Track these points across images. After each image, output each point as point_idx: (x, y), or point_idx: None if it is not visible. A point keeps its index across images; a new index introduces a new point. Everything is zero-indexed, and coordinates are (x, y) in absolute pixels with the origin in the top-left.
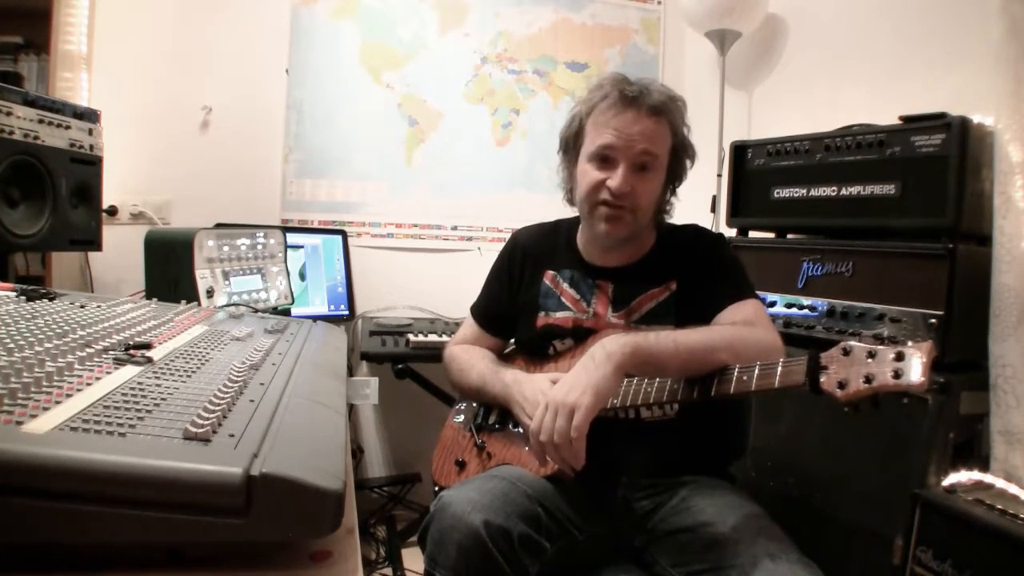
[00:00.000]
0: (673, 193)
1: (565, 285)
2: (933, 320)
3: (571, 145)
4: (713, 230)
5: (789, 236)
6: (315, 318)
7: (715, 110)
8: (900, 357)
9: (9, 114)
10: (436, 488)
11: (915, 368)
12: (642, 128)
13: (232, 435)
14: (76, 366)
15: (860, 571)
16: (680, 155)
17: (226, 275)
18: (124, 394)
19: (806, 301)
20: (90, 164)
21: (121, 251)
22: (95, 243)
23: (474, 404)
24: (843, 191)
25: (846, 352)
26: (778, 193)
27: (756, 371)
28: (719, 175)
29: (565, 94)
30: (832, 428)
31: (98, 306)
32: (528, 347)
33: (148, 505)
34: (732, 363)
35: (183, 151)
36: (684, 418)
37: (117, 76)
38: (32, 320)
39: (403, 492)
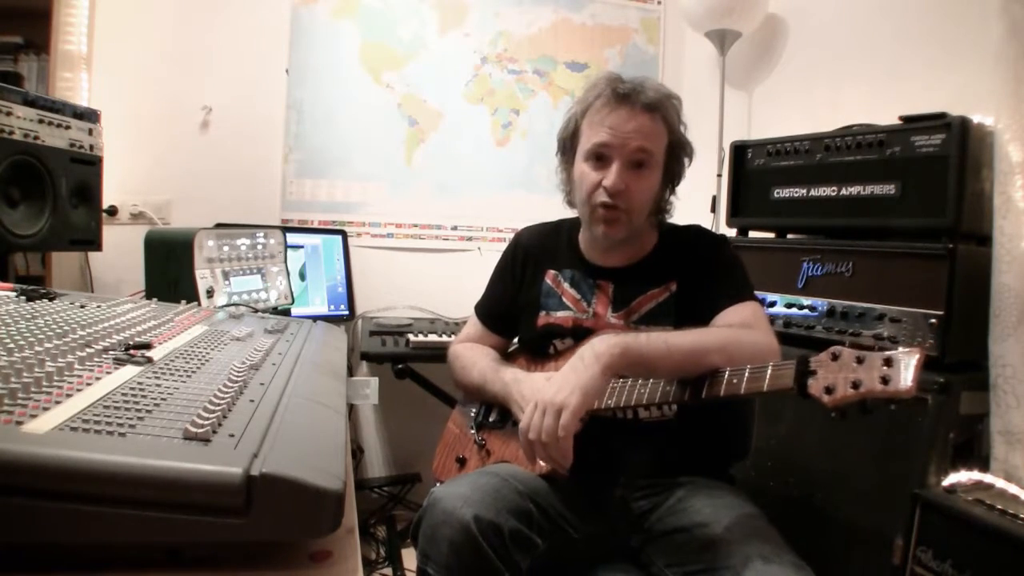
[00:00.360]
0: (672, 192)
1: (566, 285)
2: (933, 320)
3: (568, 146)
4: (715, 231)
5: (789, 236)
6: (315, 318)
7: (715, 110)
8: (889, 362)
9: (9, 114)
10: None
11: (903, 374)
12: (636, 125)
13: (232, 435)
14: (76, 366)
15: (860, 571)
16: (677, 153)
17: (226, 275)
18: (124, 394)
19: (806, 301)
20: (90, 164)
21: (121, 251)
22: (95, 243)
23: (476, 402)
24: (843, 191)
25: (835, 357)
26: (778, 193)
27: (746, 374)
28: (719, 175)
29: (565, 94)
30: (832, 428)
31: (98, 306)
32: (530, 346)
33: (148, 505)
34: (724, 365)
35: (183, 151)
36: (683, 419)
37: (117, 76)
38: (32, 320)
39: (403, 492)
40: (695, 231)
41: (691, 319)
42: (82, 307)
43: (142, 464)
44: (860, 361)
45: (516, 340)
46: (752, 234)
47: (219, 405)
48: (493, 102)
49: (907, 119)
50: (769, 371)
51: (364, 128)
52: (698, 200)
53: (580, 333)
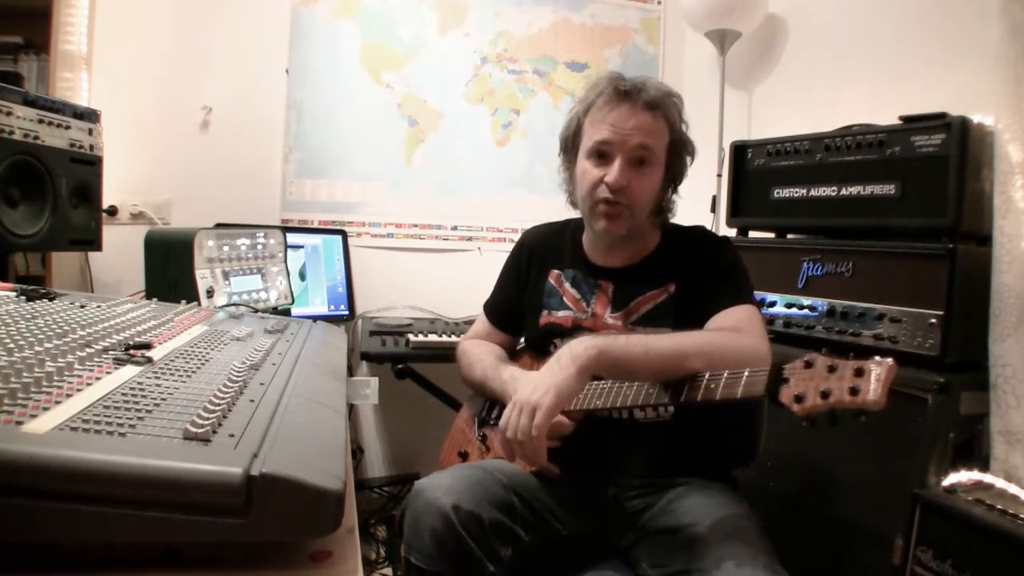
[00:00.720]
0: (674, 191)
1: (567, 285)
2: (933, 320)
3: (570, 145)
4: (718, 233)
5: (789, 236)
6: (315, 318)
7: (715, 110)
8: (860, 373)
9: (9, 114)
10: None
11: (873, 385)
12: (638, 122)
13: (232, 435)
14: (76, 366)
15: (860, 571)
16: (679, 151)
17: (226, 275)
18: (124, 394)
19: (806, 301)
20: (90, 164)
21: (121, 251)
22: (95, 243)
23: (481, 398)
24: (843, 191)
25: (808, 364)
26: (778, 193)
27: (723, 379)
28: (719, 175)
29: (565, 94)
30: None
31: (98, 306)
32: (533, 345)
33: (148, 505)
34: (705, 370)
35: (183, 151)
36: (680, 420)
37: (117, 76)
38: (32, 320)
39: (403, 492)
40: (698, 232)
41: (689, 321)
42: (82, 307)
43: (142, 464)
44: (832, 370)
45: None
46: (752, 234)
47: (219, 405)
48: (493, 102)
49: (907, 119)
50: (744, 377)
51: (364, 128)
52: (698, 200)
53: (579, 333)
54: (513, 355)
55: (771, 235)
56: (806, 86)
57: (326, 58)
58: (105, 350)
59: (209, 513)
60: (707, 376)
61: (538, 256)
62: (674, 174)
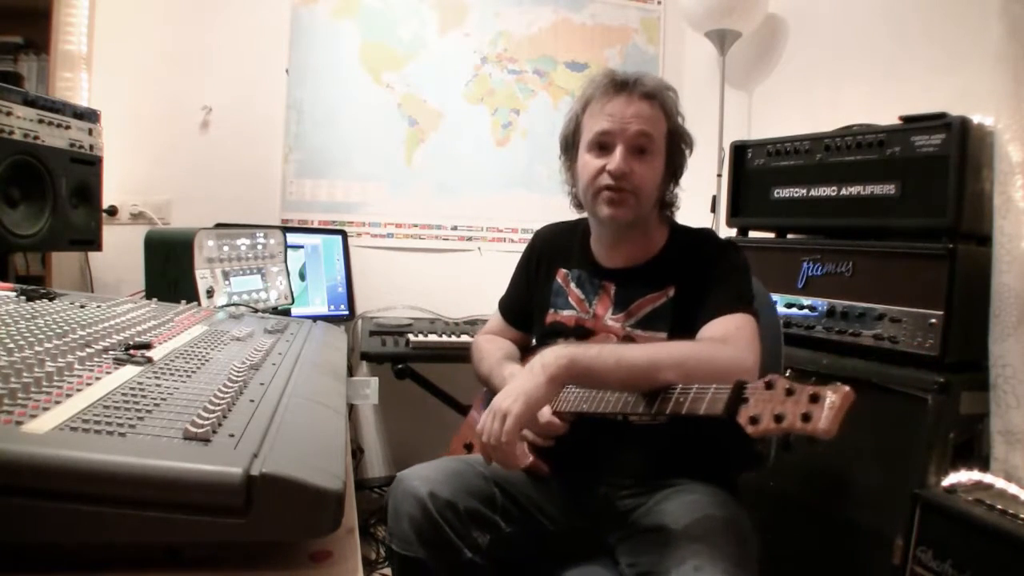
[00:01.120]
0: (676, 183)
1: (573, 285)
2: (933, 320)
3: (571, 142)
4: (724, 237)
5: (789, 236)
6: (315, 318)
7: (715, 110)
8: (815, 399)
9: (9, 114)
10: None
11: (825, 413)
12: (636, 110)
13: (232, 435)
14: (76, 366)
15: (860, 571)
16: (677, 141)
17: (226, 275)
18: (124, 394)
19: (806, 301)
20: (90, 164)
21: (121, 251)
22: (95, 243)
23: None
24: (843, 191)
25: (769, 386)
26: (778, 193)
27: (691, 395)
28: (719, 175)
29: (565, 94)
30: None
31: (98, 306)
32: (541, 343)
33: (148, 505)
34: (680, 382)
35: (183, 151)
36: (675, 423)
37: (117, 76)
38: (32, 320)
39: None
40: (703, 236)
41: (686, 325)
42: (82, 307)
43: (142, 464)
44: (790, 393)
45: None
46: (752, 234)
47: (219, 405)
48: (493, 102)
49: (907, 119)
50: (709, 394)
51: (364, 128)
52: (698, 200)
53: (581, 333)
54: (525, 352)
55: (771, 235)
56: (806, 86)
57: (326, 58)
58: (105, 350)
59: (209, 513)
60: (678, 389)
61: (547, 255)
62: (674, 166)
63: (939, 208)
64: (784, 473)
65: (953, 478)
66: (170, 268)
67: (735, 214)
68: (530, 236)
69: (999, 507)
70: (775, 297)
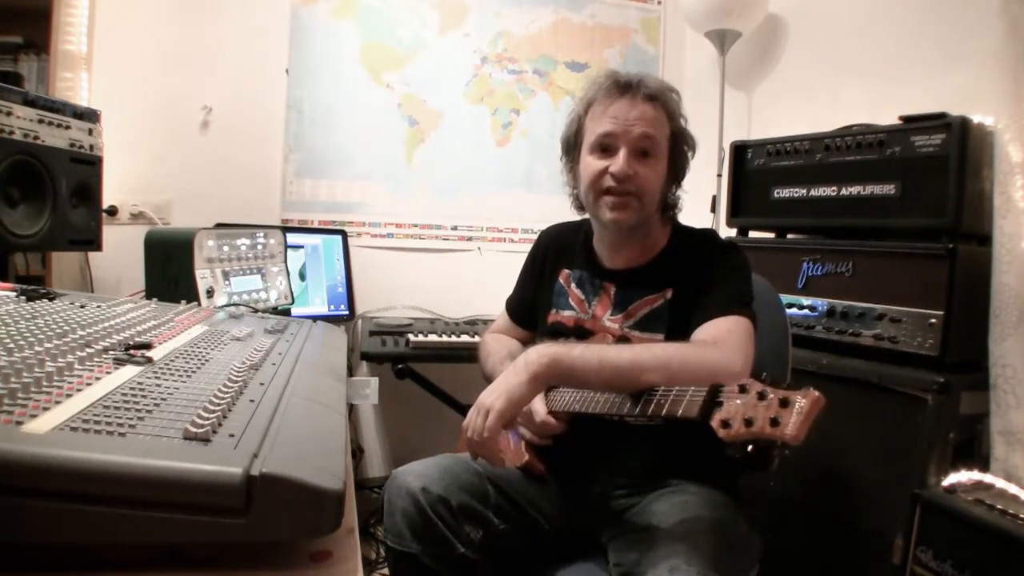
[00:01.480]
0: (678, 185)
1: (574, 285)
2: (933, 320)
3: (573, 144)
4: (725, 238)
5: (789, 236)
6: (315, 318)
7: (715, 110)
8: (784, 404)
9: (9, 114)
10: None
11: (793, 419)
12: (639, 112)
13: (232, 435)
14: (76, 366)
15: (860, 571)
16: (680, 142)
17: (226, 275)
18: (124, 394)
19: (806, 301)
20: (90, 164)
21: (121, 251)
22: (95, 243)
23: None
24: (843, 191)
25: (743, 389)
26: (778, 193)
27: (671, 396)
28: (719, 175)
29: (565, 94)
30: (832, 428)
31: (98, 306)
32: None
33: (148, 505)
34: (664, 384)
35: (183, 151)
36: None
37: (117, 76)
38: (32, 320)
39: None
40: (705, 237)
41: (683, 327)
42: (82, 307)
43: (142, 464)
44: (761, 398)
45: None
46: (752, 234)
47: (219, 405)
48: (493, 102)
49: (907, 119)
50: (687, 396)
51: (364, 128)
52: (698, 200)
53: (580, 333)
54: None
55: (771, 235)
56: (806, 86)
57: (326, 58)
58: (105, 350)
59: (209, 513)
60: (660, 392)
61: (552, 255)
62: (677, 168)
63: (939, 208)
64: (784, 473)
65: (953, 478)
66: (170, 268)
67: (735, 214)
68: (530, 236)
69: (999, 507)
70: None
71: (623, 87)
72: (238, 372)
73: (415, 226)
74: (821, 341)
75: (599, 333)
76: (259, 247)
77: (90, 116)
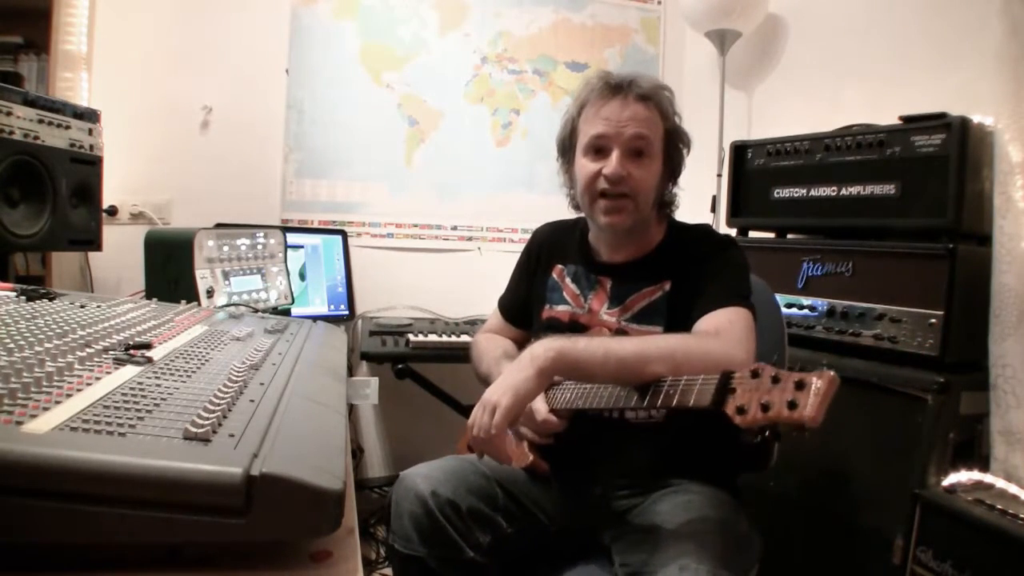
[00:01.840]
0: (674, 183)
1: (568, 280)
2: (933, 320)
3: (567, 145)
4: (722, 233)
5: (789, 236)
6: (315, 318)
7: (715, 110)
8: (800, 386)
9: (9, 114)
10: None
11: (810, 400)
12: (632, 113)
13: (232, 435)
14: (76, 366)
15: (860, 571)
16: (675, 141)
17: (226, 275)
18: (124, 394)
19: (806, 301)
20: (90, 164)
21: (121, 251)
22: (95, 243)
23: None
24: (843, 191)
25: (755, 374)
26: (778, 193)
27: (680, 386)
28: (719, 175)
29: (565, 94)
30: (832, 428)
31: (98, 306)
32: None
33: (148, 505)
34: (670, 374)
35: (183, 151)
36: (671, 422)
37: (117, 76)
38: (32, 320)
39: None
40: (701, 231)
41: (681, 320)
42: (82, 307)
43: (142, 464)
44: (776, 381)
45: None
46: (752, 234)
47: (219, 405)
48: (493, 102)
49: (907, 119)
50: (698, 385)
51: (364, 128)
52: (698, 200)
53: (576, 328)
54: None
55: (771, 235)
56: (806, 86)
57: (326, 58)
58: (105, 350)
59: (209, 513)
60: (668, 382)
61: (545, 252)
62: (672, 166)
63: (939, 208)
64: (784, 473)
65: (953, 478)
66: (170, 268)
67: (735, 214)
68: (530, 236)
69: (999, 507)
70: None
71: (615, 88)
72: (238, 372)
73: (415, 226)
74: (821, 341)
75: (595, 327)
76: (259, 247)
77: (90, 116)
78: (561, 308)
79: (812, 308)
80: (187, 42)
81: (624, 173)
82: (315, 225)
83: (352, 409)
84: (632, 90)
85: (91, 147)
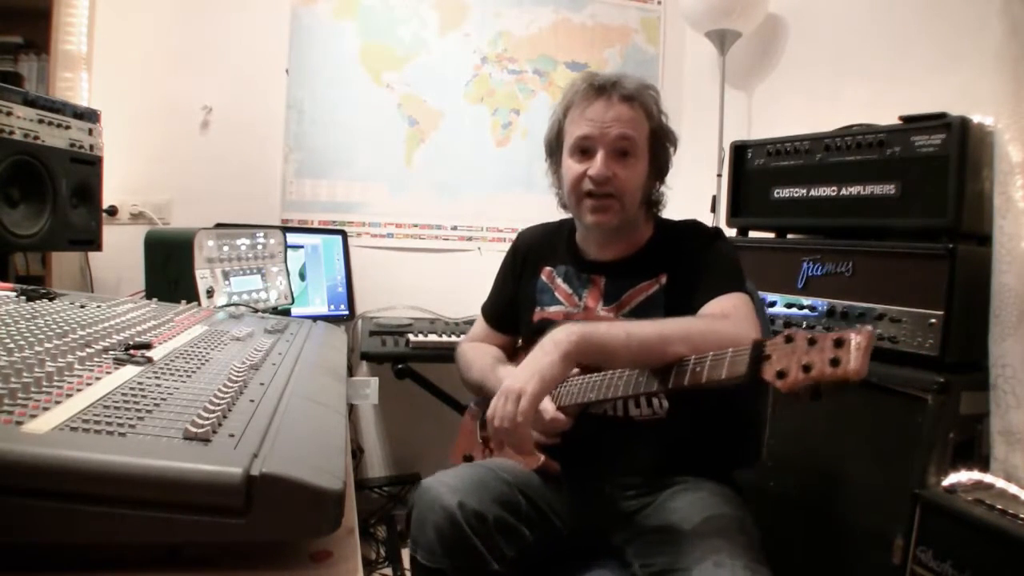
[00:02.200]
0: (661, 182)
1: (559, 280)
2: (933, 320)
3: (554, 147)
4: (711, 226)
5: (789, 236)
6: (315, 318)
7: (715, 110)
8: (839, 344)
9: (9, 114)
10: None
11: (853, 355)
12: (616, 114)
13: (232, 435)
14: (76, 366)
15: (860, 571)
16: (661, 140)
17: (226, 275)
18: (124, 394)
19: (806, 301)
20: (90, 164)
21: (121, 251)
22: (95, 243)
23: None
24: (843, 191)
25: (789, 339)
26: (778, 193)
27: (708, 362)
28: (719, 175)
29: None
30: (832, 428)
31: (98, 306)
32: (529, 342)
33: (148, 505)
34: (690, 355)
35: (183, 151)
36: (675, 418)
37: (117, 76)
38: (32, 320)
39: (403, 492)
40: (690, 225)
41: (679, 312)
42: (82, 307)
43: (142, 464)
44: (812, 343)
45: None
46: (752, 234)
47: (219, 405)
48: (493, 102)
49: (907, 119)
50: (728, 357)
51: (364, 128)
52: (698, 200)
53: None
54: (512, 354)
55: (771, 235)
56: (806, 86)
57: (326, 58)
58: (105, 350)
59: (209, 513)
60: (692, 360)
61: (533, 254)
62: (659, 165)
63: (939, 208)
64: (784, 473)
65: (953, 478)
66: (170, 268)
67: (735, 214)
68: (514, 240)
69: (999, 507)
70: (775, 297)
71: (599, 89)
72: (238, 372)
73: (415, 226)
74: None
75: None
76: (259, 247)
77: (90, 116)
78: (554, 309)
79: (812, 308)
80: (187, 42)
81: (609, 174)
82: (315, 225)
83: (352, 409)
84: (616, 91)
85: (91, 147)
